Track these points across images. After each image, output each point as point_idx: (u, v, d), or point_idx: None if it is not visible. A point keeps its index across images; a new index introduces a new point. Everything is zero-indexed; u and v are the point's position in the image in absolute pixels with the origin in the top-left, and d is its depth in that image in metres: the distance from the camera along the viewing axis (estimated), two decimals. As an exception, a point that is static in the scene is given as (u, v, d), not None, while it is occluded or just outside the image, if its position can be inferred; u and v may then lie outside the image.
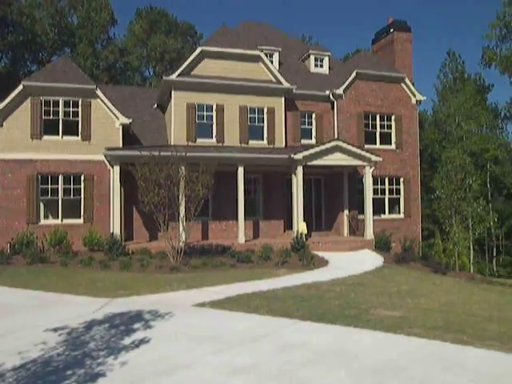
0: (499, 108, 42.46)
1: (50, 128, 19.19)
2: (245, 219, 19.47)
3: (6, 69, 36.30)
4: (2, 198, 18.42)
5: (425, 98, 25.23)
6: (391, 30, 26.28)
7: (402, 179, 24.18)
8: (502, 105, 42.59)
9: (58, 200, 19.23)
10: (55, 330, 7.77)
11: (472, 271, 21.71)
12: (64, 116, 19.36)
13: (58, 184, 19.20)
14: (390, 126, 24.26)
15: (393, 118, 24.21)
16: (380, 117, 24.05)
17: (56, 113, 19.27)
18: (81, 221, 19.28)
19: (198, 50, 21.28)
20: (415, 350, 6.73)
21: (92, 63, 40.93)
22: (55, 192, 19.19)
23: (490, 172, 34.96)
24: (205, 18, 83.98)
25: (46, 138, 19.10)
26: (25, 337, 7.45)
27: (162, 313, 8.80)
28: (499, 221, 31.00)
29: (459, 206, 18.86)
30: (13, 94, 18.77)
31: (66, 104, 19.37)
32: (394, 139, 24.23)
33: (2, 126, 18.67)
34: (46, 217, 19.17)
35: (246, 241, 19.21)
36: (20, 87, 18.85)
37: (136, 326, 7.97)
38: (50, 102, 19.19)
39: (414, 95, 24.62)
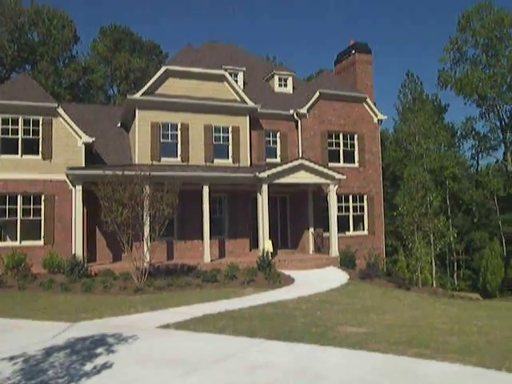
0: (456, 127, 43.77)
1: (8, 147, 18.77)
2: (210, 238, 19.40)
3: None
4: (-43, 220, 17.85)
5: (386, 117, 25.91)
6: (353, 52, 26.95)
7: (365, 196, 24.61)
8: (458, 124, 43.98)
9: (16, 221, 18.72)
10: (11, 358, 7.49)
11: (434, 286, 22.17)
12: (24, 134, 18.98)
13: (16, 204, 18.71)
14: (352, 145, 24.73)
15: (355, 136, 24.71)
16: (343, 135, 24.50)
17: (15, 131, 18.87)
18: (41, 242, 18.81)
19: (163, 69, 21.32)
20: (381, 366, 6.82)
21: (54, 81, 40.34)
22: (13, 213, 18.69)
23: (449, 189, 35.85)
24: (170, 37, 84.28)
25: (4, 156, 18.67)
26: (-23, 366, 7.18)
27: (125, 336, 8.64)
28: (459, 236, 31.86)
29: (421, 222, 19.29)
30: (-30, 113, 18.35)
31: (26, 122, 19.01)
32: (356, 157, 24.70)
33: (-43, 145, 18.18)
34: (3, 239, 18.64)
35: (211, 260, 19.12)
36: (-23, 105, 18.46)
37: (99, 350, 7.79)
38: (8, 119, 18.79)
39: (376, 114, 25.24)
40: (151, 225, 15.80)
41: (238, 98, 22.11)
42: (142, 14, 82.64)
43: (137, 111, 20.70)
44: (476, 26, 39.98)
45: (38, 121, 19.12)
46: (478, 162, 45.39)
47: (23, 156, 18.95)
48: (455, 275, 35.51)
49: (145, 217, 15.64)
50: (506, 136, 41.39)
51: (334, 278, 17.48)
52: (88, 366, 6.96)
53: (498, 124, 41.98)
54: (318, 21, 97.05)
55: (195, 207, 19.64)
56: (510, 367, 6.61)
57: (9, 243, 18.50)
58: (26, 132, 19.02)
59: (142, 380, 6.38)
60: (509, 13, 39.04)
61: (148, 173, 16.08)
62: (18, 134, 18.90)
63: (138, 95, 20.68)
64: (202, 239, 19.32)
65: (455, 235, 29.30)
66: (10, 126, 18.82)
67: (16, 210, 18.72)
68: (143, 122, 20.69)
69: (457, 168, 36.72)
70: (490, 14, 39.40)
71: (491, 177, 38.46)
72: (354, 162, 24.63)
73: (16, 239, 18.66)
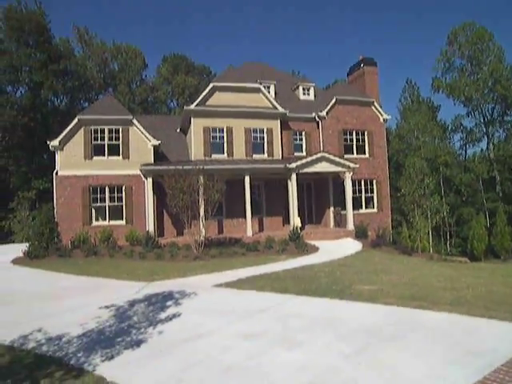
0: (447, 123, 42.73)
1: (98, 150, 19.27)
2: (251, 217, 19.45)
3: (65, 107, 36.69)
4: (64, 206, 18.51)
5: (390, 116, 25.16)
6: (362, 65, 26.24)
7: (374, 181, 24.09)
8: (449, 121, 42.96)
9: (105, 206, 19.28)
10: (106, 307, 7.81)
11: (431, 252, 21.51)
12: (108, 141, 19.41)
13: (105, 194, 19.25)
14: (363, 140, 24.17)
15: (366, 133, 24.13)
16: (356, 132, 23.97)
17: (102, 138, 19.34)
18: (123, 222, 19.30)
19: (211, 85, 21.32)
20: (388, 315, 6.72)
21: (129, 99, 41.12)
22: (103, 200, 19.24)
23: (442, 173, 34.90)
24: (216, 60, 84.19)
25: (95, 158, 19.19)
26: (84, 312, 7.50)
27: (188, 292, 8.82)
28: (450, 211, 31.03)
29: (420, 201, 18.78)
30: (70, 126, 18.88)
31: (110, 131, 19.45)
32: (367, 150, 24.14)
33: (62, 150, 18.77)
34: (96, 219, 19.21)
35: (253, 234, 19.16)
36: (75, 120, 18.97)
37: (168, 303, 7.99)
38: (97, 130, 19.28)
39: (382, 115, 24.55)
40: (205, 207, 15.87)
41: (271, 106, 21.92)
42: (195, 42, 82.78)
43: (192, 119, 20.83)
44: (462, 40, 39.09)
45: (119, 129, 19.51)
46: (465, 152, 44.02)
47: (108, 157, 19.38)
48: (448, 243, 34.50)
49: (200, 201, 15.72)
50: (488, 130, 40.32)
51: (350, 246, 17.24)
52: (162, 315, 7.17)
53: (482, 120, 40.77)
54: (333, 42, 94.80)
55: (239, 192, 19.69)
56: (491, 315, 6.46)
57: (100, 222, 19.07)
58: (110, 138, 19.43)
59: (202, 325, 6.51)
60: (488, 30, 38.29)
61: (202, 167, 16.22)
62: (104, 140, 19.36)
63: (192, 106, 20.79)
64: (245, 217, 19.39)
65: (448, 211, 28.52)
66: (98, 135, 19.32)
67: (105, 197, 19.25)
68: (197, 127, 20.82)
69: (448, 156, 35.82)
70: (473, 31, 38.47)
71: (477, 163, 37.47)
72: (365, 154, 24.08)
73: (105, 219, 19.22)
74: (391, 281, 9.88)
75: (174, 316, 7.05)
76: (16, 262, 14.58)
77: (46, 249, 15.64)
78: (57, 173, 18.74)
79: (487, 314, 6.52)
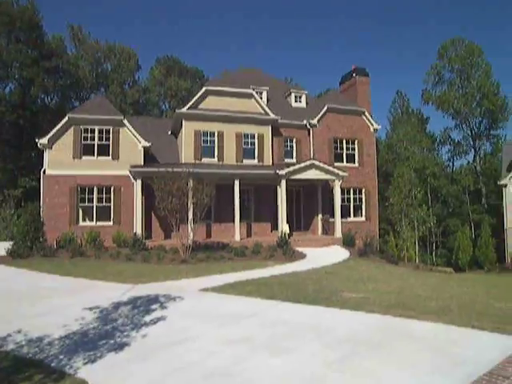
0: (435, 135, 43.38)
1: (87, 150, 19.07)
2: (240, 222, 19.41)
3: (56, 105, 36.35)
4: (50, 205, 18.25)
5: (380, 126, 25.41)
6: (354, 75, 26.51)
7: (363, 190, 24.25)
8: (438, 133, 43.64)
9: (92, 206, 19.06)
10: (90, 308, 7.69)
11: (417, 261, 21.74)
12: (99, 140, 19.24)
13: (93, 194, 19.03)
14: (353, 149, 24.36)
15: (356, 142, 24.33)
16: (346, 141, 24.15)
17: (92, 138, 19.16)
18: (110, 223, 19.09)
19: (203, 89, 21.31)
20: (374, 324, 6.73)
21: (121, 99, 40.86)
22: (91, 200, 19.02)
23: (430, 184, 35.34)
24: (210, 63, 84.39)
25: (84, 158, 18.98)
26: (67, 314, 7.37)
27: (174, 296, 8.73)
28: (437, 222, 31.40)
29: (407, 211, 19.00)
30: (60, 124, 18.68)
31: (100, 131, 19.28)
32: (357, 158, 24.33)
33: (51, 148, 18.54)
34: (83, 219, 18.98)
35: (241, 239, 19.11)
36: (66, 119, 18.77)
37: (154, 306, 7.90)
38: (88, 129, 19.10)
39: (372, 124, 24.80)
40: (194, 210, 15.78)
41: (263, 111, 21.98)
42: (189, 45, 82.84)
43: (183, 122, 20.78)
44: (451, 55, 39.82)
45: (109, 130, 19.35)
46: (453, 164, 44.76)
47: (98, 157, 19.19)
48: (434, 253, 34.89)
49: (189, 204, 15.64)
50: (475, 143, 41.15)
51: (337, 254, 17.29)
52: (146, 318, 7.08)
53: (470, 133, 41.54)
54: (326, 50, 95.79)
55: (228, 197, 19.66)
56: (474, 325, 6.53)
57: (87, 223, 18.84)
58: (100, 138, 19.26)
59: (187, 329, 6.45)
60: (477, 46, 39.02)
61: (191, 170, 16.13)
62: (94, 140, 19.18)
63: (184, 109, 20.74)
64: (234, 222, 19.33)
65: (434, 221, 28.84)
66: (88, 134, 19.13)
67: (93, 198, 19.03)
68: (188, 130, 20.76)
69: (436, 168, 36.35)
70: (463, 46, 39.27)
71: (463, 175, 38.06)
72: (354, 163, 24.26)
73: (92, 220, 18.99)
74: (377, 289, 9.93)
75: (159, 319, 6.97)
76: (-1, 260, 14.27)
77: (31, 248, 15.36)
78: (44, 171, 18.48)
79: (470, 323, 6.59)
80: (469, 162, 42.64)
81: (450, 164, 44.72)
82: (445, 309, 7.78)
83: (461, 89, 40.07)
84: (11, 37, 31.59)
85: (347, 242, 19.58)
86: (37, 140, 18.54)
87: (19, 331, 6.29)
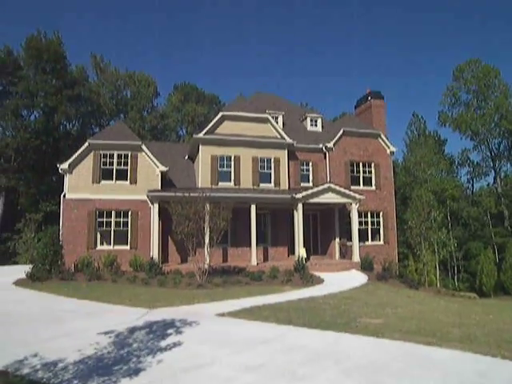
0: (453, 157, 42.87)
1: (106, 175, 19.48)
2: (257, 246, 19.31)
3: (77, 132, 37.55)
4: (69, 228, 18.56)
5: (396, 149, 25.26)
6: (369, 98, 26.65)
7: (381, 213, 23.93)
8: (456, 154, 43.14)
9: (110, 230, 19.28)
10: (106, 333, 7.67)
11: (438, 286, 21.10)
12: (117, 165, 19.64)
13: (111, 218, 19.29)
14: (370, 172, 24.21)
15: (372, 165, 24.20)
16: (362, 164, 24.05)
17: (111, 163, 19.58)
18: (127, 247, 19.23)
19: (220, 114, 21.68)
20: (394, 351, 6.52)
21: (140, 125, 41.91)
22: (108, 224, 19.27)
23: (449, 207, 34.66)
24: (226, 90, 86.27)
25: (103, 182, 19.36)
26: (82, 337, 7.37)
27: (190, 321, 8.65)
28: (458, 245, 30.62)
29: (427, 234, 18.62)
30: (80, 150, 19.21)
31: (119, 156, 19.71)
32: (373, 181, 24.14)
33: (71, 173, 19.01)
34: (101, 243, 19.17)
35: (257, 263, 18.96)
36: (86, 144, 19.30)
37: (169, 331, 7.83)
38: (107, 155, 19.56)
39: (388, 147, 24.68)
40: (210, 235, 15.74)
41: (279, 136, 22.16)
42: (205, 72, 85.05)
43: (200, 147, 21.08)
44: (468, 76, 39.72)
45: (128, 155, 19.76)
46: (473, 185, 43.95)
47: (116, 182, 19.55)
48: (456, 278, 33.85)
49: (205, 228, 15.63)
50: (495, 164, 40.39)
51: (355, 279, 16.96)
52: (162, 343, 7.02)
53: (489, 154, 40.89)
54: (341, 76, 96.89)
55: (245, 221, 19.65)
56: (503, 354, 6.24)
57: (105, 247, 19.02)
58: (118, 163, 19.67)
59: (203, 355, 6.36)
60: (493, 67, 38.87)
61: (208, 194, 16.25)
62: (113, 165, 19.60)
63: (201, 134, 21.08)
64: (250, 246, 19.24)
65: (455, 245, 28.11)
66: (107, 159, 19.58)
67: (110, 222, 19.28)
68: (205, 154, 21.03)
69: (455, 190, 35.67)
70: (479, 67, 39.19)
71: (484, 197, 37.15)
72: (371, 185, 24.05)
73: (110, 244, 19.18)
74: (397, 314, 9.65)
75: (175, 345, 6.90)
76: (18, 283, 14.48)
77: (49, 271, 15.56)
78: (64, 195, 18.90)
79: (499, 353, 6.30)
80: (489, 183, 41.87)
81: (470, 186, 43.98)
82: (469, 336, 7.49)
83: (478, 110, 39.78)
84: (38, 68, 33.10)
85: (365, 266, 19.19)
86: (58, 165, 19.06)
87: (35, 355, 6.30)
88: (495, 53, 72.60)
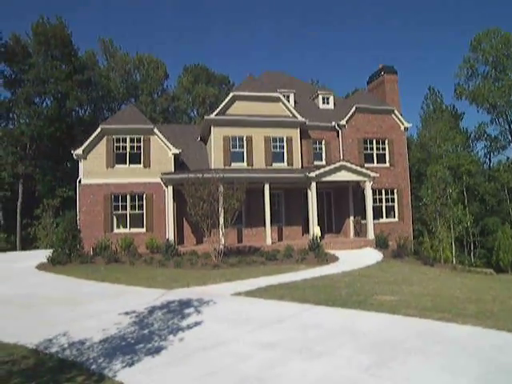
0: (469, 131, 41.88)
1: (120, 159, 19.67)
2: (271, 226, 19.43)
3: (89, 117, 37.79)
4: (86, 213, 18.92)
5: (411, 125, 24.84)
6: (382, 73, 26.06)
7: (395, 190, 23.74)
8: (472, 129, 42.13)
9: (126, 214, 19.60)
10: (127, 313, 7.90)
11: (454, 263, 21.00)
12: (130, 149, 19.81)
13: (126, 201, 19.57)
14: (384, 149, 23.92)
15: (386, 141, 23.88)
16: (376, 141, 23.74)
17: (124, 147, 19.74)
18: (143, 229, 19.55)
19: (231, 94, 21.53)
20: (410, 327, 6.57)
21: (151, 108, 41.94)
22: (124, 207, 19.57)
23: (466, 182, 34.10)
24: (236, 69, 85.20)
25: (117, 166, 19.58)
26: (105, 318, 7.61)
27: (207, 300, 8.82)
28: (474, 221, 30.22)
29: (442, 211, 18.43)
30: (93, 135, 19.39)
31: (132, 140, 19.83)
32: (387, 159, 23.87)
33: (86, 158, 19.26)
34: (118, 227, 19.53)
35: (272, 243, 19.12)
36: (98, 129, 19.46)
37: (188, 311, 8.02)
38: (119, 139, 19.71)
39: (402, 123, 24.26)
40: (225, 215, 15.90)
41: (290, 115, 21.96)
42: (215, 52, 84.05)
43: (212, 128, 21.05)
44: (486, 46, 38.31)
45: (140, 138, 19.88)
46: (490, 160, 43.01)
47: (130, 165, 19.75)
48: (472, 254, 33.61)
49: (220, 209, 15.79)
50: (514, 137, 39.30)
51: (370, 256, 16.98)
52: (181, 322, 7.21)
53: (507, 127, 39.78)
54: (353, 50, 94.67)
55: (258, 201, 19.74)
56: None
57: (121, 230, 19.37)
58: (131, 147, 19.83)
59: (221, 333, 6.52)
60: (514, 35, 37.38)
61: (221, 175, 16.31)
62: (126, 149, 19.76)
63: (212, 116, 21.02)
64: (264, 226, 19.38)
65: (471, 221, 27.74)
66: (120, 144, 19.73)
67: (126, 205, 19.58)
68: (217, 136, 21.01)
69: (471, 165, 34.99)
70: (498, 37, 37.66)
71: (502, 172, 36.36)
72: (385, 163, 23.80)
73: (126, 227, 19.53)
74: (413, 292, 9.67)
75: (194, 324, 7.08)
76: (40, 267, 14.93)
77: (69, 255, 15.97)
78: (80, 181, 19.19)
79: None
80: (508, 157, 40.97)
81: (487, 161, 43.09)
82: (486, 312, 7.47)
83: (496, 81, 38.57)
84: (47, 54, 33.18)
85: (380, 243, 19.19)
86: (72, 151, 19.29)
87: (62, 334, 6.57)
88: (514, 21, 69.73)
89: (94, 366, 5.28)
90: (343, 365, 5.09)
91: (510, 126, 39.66)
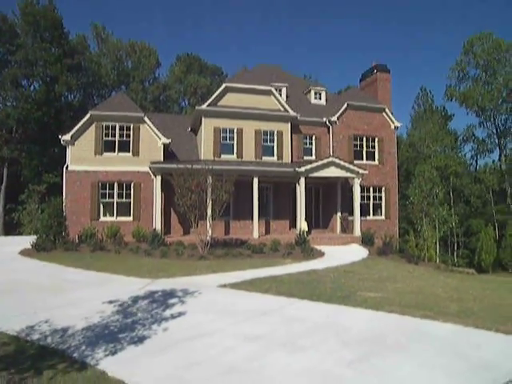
0: (458, 133, 42.43)
1: (108, 146, 19.42)
2: (258, 219, 19.45)
3: (78, 103, 37.17)
4: (73, 200, 18.68)
5: (401, 124, 25.01)
6: (374, 71, 26.15)
7: (383, 188, 23.96)
8: (461, 130, 42.75)
9: (113, 202, 19.41)
10: (110, 302, 7.85)
11: (438, 262, 21.34)
12: (119, 137, 19.56)
13: (113, 190, 19.37)
14: (373, 146, 24.07)
15: (376, 139, 24.03)
16: (366, 138, 23.87)
17: (113, 135, 19.48)
18: (130, 218, 19.41)
19: (223, 86, 21.38)
20: (393, 324, 6.66)
21: (141, 97, 41.47)
22: (111, 196, 19.37)
23: (452, 183, 34.60)
24: (229, 61, 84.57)
25: (105, 154, 19.33)
26: (88, 306, 7.55)
27: (192, 291, 8.81)
28: (459, 222, 30.70)
29: (428, 210, 18.68)
30: (82, 121, 19.08)
31: (121, 128, 19.59)
32: (377, 156, 24.03)
33: (73, 145, 18.96)
34: (104, 215, 19.34)
35: (259, 236, 19.16)
36: (87, 116, 19.15)
37: (172, 301, 8.00)
38: (109, 126, 19.43)
39: (393, 122, 24.42)
40: (213, 207, 15.85)
41: (282, 108, 21.91)
42: (208, 43, 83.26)
43: (203, 119, 20.91)
44: (477, 50, 38.74)
45: (130, 126, 19.65)
46: (476, 162, 43.75)
47: (119, 153, 19.52)
48: (455, 254, 34.22)
49: (208, 201, 15.75)
50: (501, 141, 40.04)
51: (356, 253, 17.15)
52: (165, 312, 7.20)
53: (495, 131, 40.49)
54: (346, 48, 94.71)
55: (247, 194, 19.72)
56: (498, 328, 6.37)
57: (108, 218, 19.18)
58: (120, 135, 19.57)
59: (205, 324, 6.52)
60: (505, 40, 38.07)
61: (211, 167, 16.23)
62: (115, 136, 19.50)
63: (204, 106, 20.86)
64: (252, 219, 19.40)
65: (456, 221, 28.20)
66: (110, 131, 19.45)
67: (113, 193, 19.37)
68: (207, 127, 20.87)
69: (458, 166, 35.52)
70: (490, 41, 38.15)
71: (488, 174, 36.99)
72: (374, 160, 23.97)
73: (113, 215, 19.33)
74: (396, 289, 9.80)
75: (178, 314, 7.06)
76: (24, 253, 14.73)
77: (54, 242, 15.79)
78: (67, 167, 18.92)
79: (494, 327, 6.44)
80: (494, 160, 41.67)
81: (474, 162, 43.75)
82: (467, 311, 7.62)
83: (486, 85, 39.07)
84: (36, 36, 32.41)
85: (366, 240, 19.38)
86: (60, 136, 18.98)
87: (44, 322, 6.49)
88: (508, 28, 70.49)
89: (76, 354, 5.23)
90: (326, 359, 5.14)
91: (497, 130, 40.30)
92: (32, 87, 34.22)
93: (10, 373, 4.60)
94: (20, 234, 27.64)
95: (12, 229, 29.87)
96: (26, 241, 16.57)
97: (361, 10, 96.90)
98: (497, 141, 40.49)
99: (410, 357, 5.21)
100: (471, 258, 32.10)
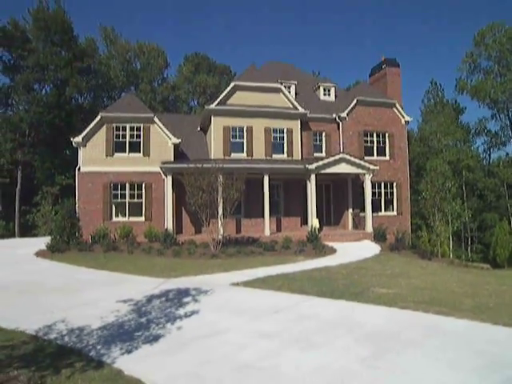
0: (470, 126, 41.67)
1: (119, 147, 19.59)
2: (270, 216, 19.44)
3: (88, 105, 37.53)
4: (85, 201, 18.89)
5: (412, 118, 24.77)
6: (384, 66, 25.90)
7: (394, 184, 23.75)
8: (472, 124, 41.95)
9: (125, 202, 19.58)
10: (125, 301, 7.93)
11: (451, 257, 21.09)
12: (130, 138, 19.71)
13: (125, 190, 19.54)
14: (384, 142, 23.87)
15: (386, 135, 23.82)
16: (376, 134, 23.68)
17: (124, 136, 19.65)
18: (142, 219, 19.55)
19: (232, 84, 21.39)
20: (407, 320, 6.61)
21: (151, 97, 41.69)
22: (123, 196, 19.54)
23: (465, 177, 34.10)
24: (237, 59, 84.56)
25: (116, 155, 19.50)
26: (103, 306, 7.64)
27: (205, 290, 8.85)
28: (472, 216, 30.27)
29: (441, 205, 18.45)
30: (93, 123, 19.28)
31: (132, 129, 19.73)
32: (387, 152, 23.83)
33: (85, 146, 19.17)
34: (116, 215, 19.52)
35: (270, 234, 19.15)
36: (98, 117, 19.34)
37: (186, 299, 8.05)
38: (119, 127, 19.60)
39: (403, 117, 24.18)
40: (224, 205, 15.84)
41: (291, 106, 21.85)
42: (216, 42, 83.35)
43: (212, 118, 20.95)
44: (489, 41, 37.97)
45: (140, 127, 19.78)
46: (489, 155, 42.95)
47: (129, 154, 19.67)
48: (469, 249, 33.76)
49: (219, 199, 15.72)
50: (514, 133, 39.19)
51: (368, 249, 17.02)
52: (179, 311, 7.24)
53: (508, 123, 39.65)
54: (355, 43, 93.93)
55: (258, 192, 19.71)
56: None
57: (120, 219, 19.36)
58: (131, 136, 19.72)
59: (219, 323, 6.55)
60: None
61: (221, 165, 16.26)
62: (125, 137, 19.66)
63: (213, 106, 20.90)
64: (263, 217, 19.39)
65: (470, 216, 27.78)
66: (120, 132, 19.63)
67: (125, 194, 19.55)
68: (217, 126, 20.91)
69: (471, 160, 34.95)
70: (503, 31, 37.25)
71: (502, 168, 36.29)
72: (385, 156, 23.77)
73: (125, 216, 19.51)
74: (410, 285, 9.71)
75: (192, 313, 7.11)
76: (39, 254, 14.97)
77: (68, 243, 16.00)
78: (79, 169, 19.14)
79: (511, 322, 6.34)
80: (507, 153, 40.90)
81: (486, 156, 43.06)
82: (482, 306, 7.52)
83: (499, 77, 38.35)
84: (47, 40, 32.82)
85: (378, 236, 19.24)
86: (72, 139, 19.20)
87: (61, 321, 6.60)
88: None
89: (92, 353, 5.31)
90: (340, 356, 5.13)
91: (510, 122, 39.53)
92: (43, 91, 34.69)
93: (31, 370, 4.69)
94: (35, 235, 28.07)
95: (27, 230, 30.36)
96: (41, 242, 16.83)
97: (369, 5, 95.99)
98: (511, 133, 39.75)
99: (426, 353, 5.16)
100: (485, 253, 31.64)
